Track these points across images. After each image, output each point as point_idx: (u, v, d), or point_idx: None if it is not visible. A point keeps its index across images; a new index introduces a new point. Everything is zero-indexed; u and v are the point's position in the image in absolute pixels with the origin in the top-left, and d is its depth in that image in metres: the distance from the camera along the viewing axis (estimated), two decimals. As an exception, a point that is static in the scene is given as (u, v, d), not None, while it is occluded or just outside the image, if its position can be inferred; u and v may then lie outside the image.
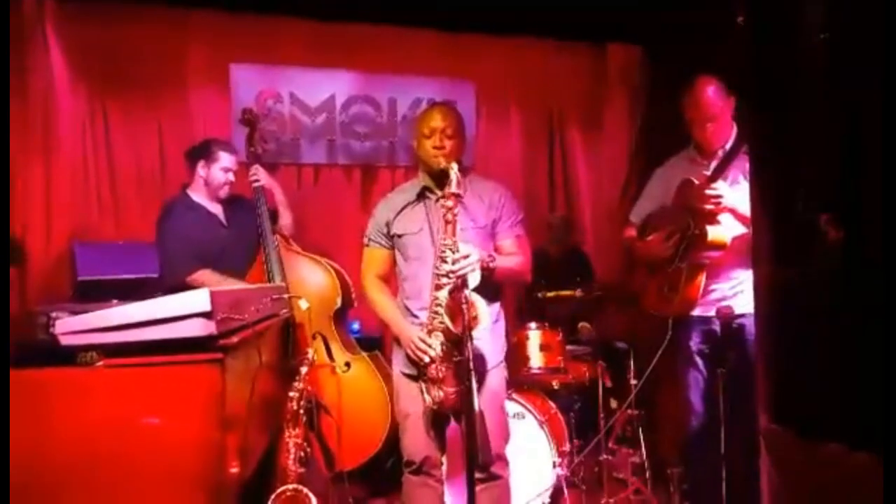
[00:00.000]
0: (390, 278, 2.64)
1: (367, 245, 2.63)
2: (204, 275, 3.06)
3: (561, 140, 4.91)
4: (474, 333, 2.19)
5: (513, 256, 2.53)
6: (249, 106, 3.78)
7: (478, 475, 2.34)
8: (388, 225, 2.56)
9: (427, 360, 2.35)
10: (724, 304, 2.65)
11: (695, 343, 2.80)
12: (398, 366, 2.56)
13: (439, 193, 2.41)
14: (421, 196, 2.53)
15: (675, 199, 2.81)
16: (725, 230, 2.63)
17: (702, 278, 2.70)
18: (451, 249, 2.29)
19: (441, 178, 2.39)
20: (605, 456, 3.37)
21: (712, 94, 2.71)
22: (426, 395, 2.40)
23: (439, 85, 4.62)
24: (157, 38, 4.04)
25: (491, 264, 2.38)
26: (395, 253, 2.58)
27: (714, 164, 2.68)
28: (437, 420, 2.48)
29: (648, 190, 3.04)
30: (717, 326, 2.68)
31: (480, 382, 2.38)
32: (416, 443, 2.49)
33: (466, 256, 2.27)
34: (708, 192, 2.60)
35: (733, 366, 2.57)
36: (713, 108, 2.71)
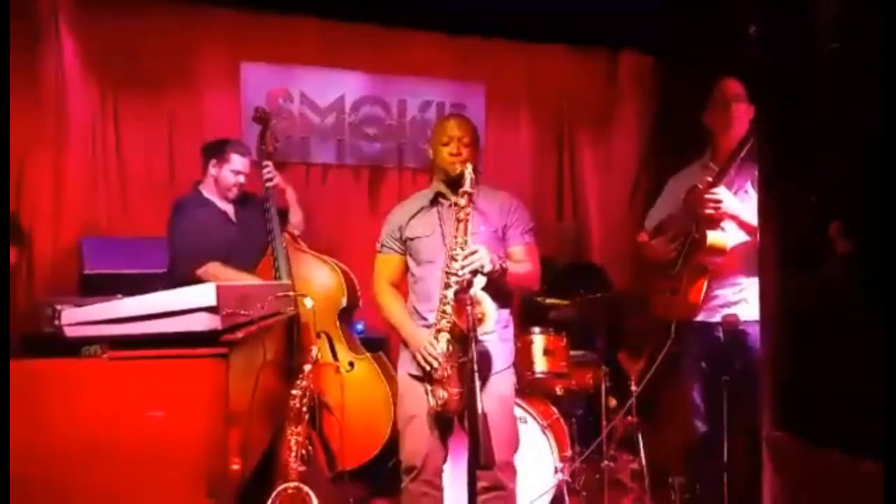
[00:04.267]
0: (402, 284, 2.65)
1: (380, 251, 2.65)
2: (214, 267, 3.05)
3: (570, 145, 4.91)
4: (479, 330, 2.20)
5: (524, 263, 2.54)
6: (261, 104, 3.80)
7: (483, 484, 2.33)
8: (400, 229, 2.58)
9: (435, 365, 2.35)
10: (728, 310, 2.64)
11: (699, 350, 2.79)
12: (404, 367, 2.55)
13: (452, 199, 2.44)
14: (434, 202, 2.57)
15: (682, 205, 2.81)
16: (726, 236, 2.63)
17: (703, 283, 2.69)
18: (461, 247, 2.32)
19: (455, 184, 2.43)
20: (606, 462, 3.35)
21: (738, 97, 2.69)
22: (430, 397, 2.39)
23: (449, 88, 4.64)
24: (170, 35, 4.06)
25: (503, 265, 2.39)
26: (407, 257, 2.60)
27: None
28: (440, 423, 2.46)
29: (662, 197, 3.05)
30: (720, 333, 2.67)
31: (486, 386, 2.38)
32: (419, 445, 2.47)
33: (474, 252, 2.29)
34: (707, 196, 2.61)
35: (738, 373, 2.56)
36: (738, 110, 2.69)
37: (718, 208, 2.60)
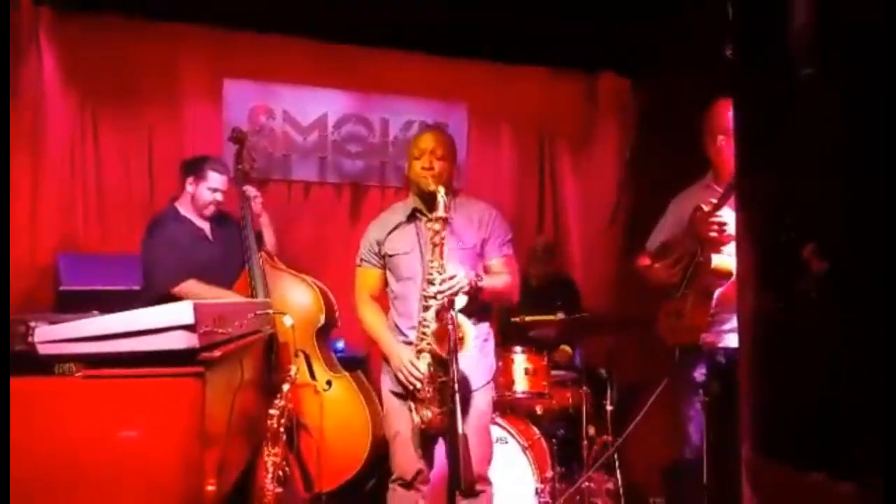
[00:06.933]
0: (382, 297, 2.67)
1: (360, 265, 2.67)
2: (191, 285, 3.02)
3: (551, 164, 4.94)
4: (460, 355, 2.20)
5: (500, 276, 2.56)
6: (239, 125, 3.78)
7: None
8: (379, 244, 2.60)
9: (419, 386, 2.36)
10: (730, 335, 2.60)
11: (699, 373, 2.71)
12: (387, 384, 2.58)
13: (429, 216, 2.44)
14: (411, 218, 2.57)
15: (686, 227, 2.74)
16: (731, 260, 2.55)
17: (709, 307, 2.61)
18: (438, 271, 2.33)
19: (431, 199, 2.42)
20: (588, 484, 3.35)
21: (726, 131, 2.58)
22: (415, 415, 2.42)
23: (432, 107, 4.65)
24: (152, 51, 4.04)
25: (479, 283, 2.40)
26: (387, 272, 2.61)
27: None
28: (425, 439, 2.50)
29: (665, 218, 2.97)
30: (722, 358, 2.62)
31: (466, 403, 2.40)
32: (408, 460, 2.51)
33: (453, 277, 2.30)
34: (712, 219, 2.54)
35: (720, 395, 2.55)
36: (724, 141, 2.61)
37: (723, 231, 2.51)
